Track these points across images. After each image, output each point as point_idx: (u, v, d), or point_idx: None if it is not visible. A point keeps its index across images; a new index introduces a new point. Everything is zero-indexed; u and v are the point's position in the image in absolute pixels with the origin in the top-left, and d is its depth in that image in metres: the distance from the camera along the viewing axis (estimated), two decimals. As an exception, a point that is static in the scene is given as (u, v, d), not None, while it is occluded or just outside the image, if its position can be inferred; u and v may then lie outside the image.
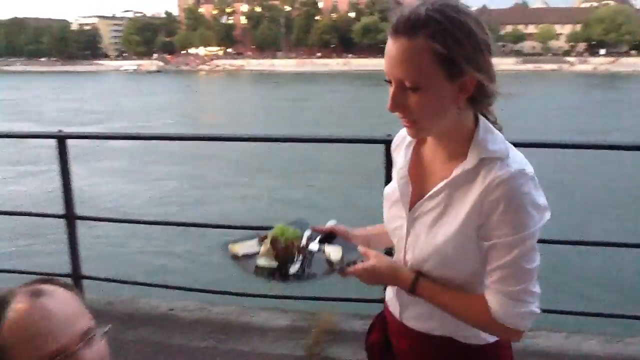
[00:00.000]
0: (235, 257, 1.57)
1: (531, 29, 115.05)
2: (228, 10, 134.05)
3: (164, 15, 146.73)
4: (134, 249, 10.95)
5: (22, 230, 11.49)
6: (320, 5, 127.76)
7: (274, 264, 1.51)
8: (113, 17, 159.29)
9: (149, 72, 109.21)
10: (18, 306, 1.02)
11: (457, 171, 1.30)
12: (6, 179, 18.28)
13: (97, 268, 4.17)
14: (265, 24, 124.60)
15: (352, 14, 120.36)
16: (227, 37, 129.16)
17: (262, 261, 1.52)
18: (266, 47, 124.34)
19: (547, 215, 1.28)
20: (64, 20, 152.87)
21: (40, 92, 60.58)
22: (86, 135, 3.85)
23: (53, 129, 3.64)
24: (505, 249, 1.26)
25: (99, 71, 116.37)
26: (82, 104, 45.61)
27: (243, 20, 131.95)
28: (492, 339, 1.41)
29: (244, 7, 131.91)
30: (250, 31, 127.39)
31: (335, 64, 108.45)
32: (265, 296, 3.46)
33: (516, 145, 1.33)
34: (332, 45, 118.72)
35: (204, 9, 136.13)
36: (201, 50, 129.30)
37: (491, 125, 1.33)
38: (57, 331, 1.01)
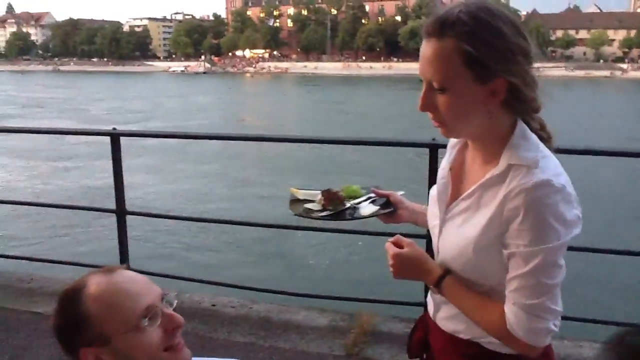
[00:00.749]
0: (293, 199, 1.72)
1: (583, 34, 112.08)
2: (275, 13, 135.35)
3: (212, 18, 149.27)
4: (177, 244, 11.20)
5: (64, 223, 11.91)
6: (367, 9, 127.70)
7: (318, 208, 1.65)
8: (163, 19, 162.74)
9: (196, 73, 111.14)
10: (97, 281, 1.10)
11: (488, 175, 1.29)
12: (43, 174, 19.00)
13: (142, 263, 4.29)
14: (311, 27, 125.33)
15: (399, 18, 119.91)
16: (273, 40, 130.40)
17: (309, 205, 1.68)
18: (311, 50, 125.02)
19: (576, 231, 1.23)
20: (117, 22, 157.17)
21: (88, 91, 62.46)
22: (139, 133, 3.98)
23: (97, 127, 3.78)
24: (523, 260, 1.23)
25: (148, 72, 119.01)
26: (126, 104, 46.82)
27: (289, 23, 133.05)
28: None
29: (291, 10, 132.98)
30: (296, 34, 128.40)
31: (380, 67, 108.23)
32: (306, 295, 3.50)
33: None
34: (377, 49, 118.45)
35: (251, 12, 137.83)
36: (247, 53, 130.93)
37: (530, 132, 1.30)
38: (141, 292, 1.10)
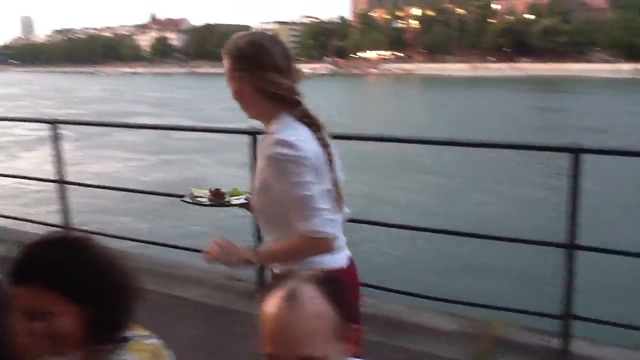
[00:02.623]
0: (190, 195, 2.31)
1: None
2: (400, 14, 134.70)
3: (338, 20, 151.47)
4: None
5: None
6: (496, 7, 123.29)
7: (203, 199, 2.27)
8: (291, 23, 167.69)
9: (321, 75, 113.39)
10: (274, 303, 1.19)
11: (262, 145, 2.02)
12: (146, 167, 20.51)
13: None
14: (437, 27, 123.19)
15: (530, 16, 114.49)
16: (397, 41, 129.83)
17: (200, 198, 2.27)
18: (437, 50, 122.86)
19: (309, 163, 1.82)
20: (247, 26, 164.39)
21: (208, 92, 65.83)
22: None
23: (208, 124, 3.99)
24: (282, 191, 1.85)
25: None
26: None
27: (414, 23, 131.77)
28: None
29: (416, 11, 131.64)
30: (421, 35, 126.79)
31: (508, 68, 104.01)
32: (436, 299, 3.50)
33: None
34: (506, 49, 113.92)
35: (376, 13, 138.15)
36: (371, 54, 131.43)
37: (286, 117, 1.92)
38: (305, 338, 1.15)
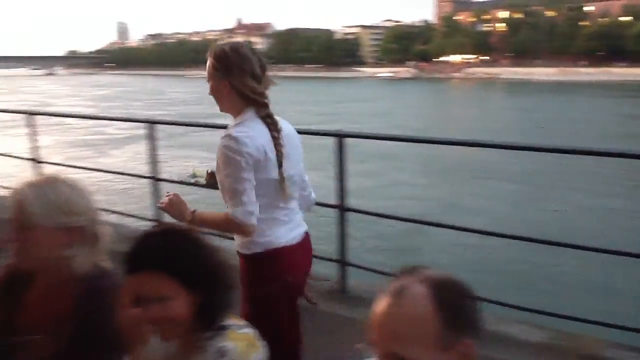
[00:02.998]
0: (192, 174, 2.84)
1: None
2: (486, 17, 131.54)
3: (421, 24, 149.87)
4: (394, 244, 11.52)
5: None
6: (589, 9, 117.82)
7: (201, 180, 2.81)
8: (374, 27, 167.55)
9: (403, 78, 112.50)
10: (385, 295, 1.19)
11: None
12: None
13: (360, 257, 4.51)
14: (525, 31, 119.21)
15: (626, 18, 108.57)
16: (482, 45, 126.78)
17: (198, 174, 2.82)
18: (524, 54, 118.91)
19: (250, 159, 2.18)
20: (330, 30, 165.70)
21: (288, 95, 66.64)
22: (362, 135, 4.17)
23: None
24: (222, 179, 2.25)
25: (356, 77, 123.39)
26: (317, 107, 49.31)
27: (501, 26, 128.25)
28: (256, 250, 2.30)
29: (503, 14, 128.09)
30: (508, 38, 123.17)
31: (600, 73, 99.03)
32: (524, 309, 3.40)
33: None
34: (599, 53, 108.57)
35: (461, 17, 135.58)
36: (455, 58, 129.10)
37: (249, 115, 2.31)
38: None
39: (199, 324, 1.45)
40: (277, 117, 2.37)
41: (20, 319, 1.72)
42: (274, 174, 2.25)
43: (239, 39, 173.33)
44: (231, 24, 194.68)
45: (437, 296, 1.13)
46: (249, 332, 1.50)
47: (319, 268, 4.21)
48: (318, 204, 4.47)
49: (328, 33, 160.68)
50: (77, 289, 1.68)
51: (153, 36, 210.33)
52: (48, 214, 1.63)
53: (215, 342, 1.43)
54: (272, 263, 2.31)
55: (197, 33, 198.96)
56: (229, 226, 2.25)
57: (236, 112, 2.33)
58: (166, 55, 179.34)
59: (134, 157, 20.46)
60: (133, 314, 1.39)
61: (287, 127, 2.44)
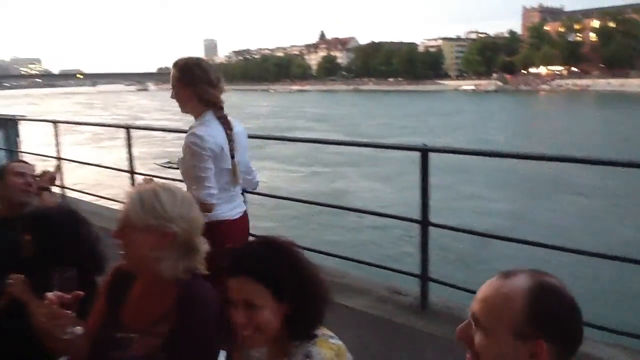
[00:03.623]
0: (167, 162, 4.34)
1: None
2: (576, 26, 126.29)
3: (507, 35, 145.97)
4: (478, 260, 11.31)
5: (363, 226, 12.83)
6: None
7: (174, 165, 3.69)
8: (457, 39, 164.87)
9: (487, 91, 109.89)
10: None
11: None
12: (296, 178, 21.06)
13: (442, 273, 4.48)
14: (618, 40, 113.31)
15: None
16: (572, 56, 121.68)
17: (173, 161, 3.57)
18: (617, 65, 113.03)
19: (209, 152, 2.80)
20: (412, 43, 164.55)
21: (367, 108, 66.43)
22: (448, 149, 4.17)
23: (361, 139, 4.02)
24: (186, 169, 2.87)
25: (438, 90, 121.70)
26: (395, 120, 48.80)
27: (592, 36, 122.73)
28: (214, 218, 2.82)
29: (595, 23, 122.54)
30: (600, 48, 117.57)
31: None
32: (605, 329, 3.30)
33: None
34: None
35: (550, 27, 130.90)
36: (542, 70, 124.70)
37: (208, 116, 2.93)
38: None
39: (288, 333, 1.52)
40: (230, 118, 3.00)
41: (123, 315, 1.85)
42: (228, 164, 2.93)
43: (322, 53, 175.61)
44: (314, 39, 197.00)
45: (534, 289, 1.18)
46: (338, 343, 1.55)
47: (400, 282, 4.28)
48: (400, 218, 4.53)
49: (410, 46, 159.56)
50: (175, 291, 1.78)
51: (239, 52, 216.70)
52: (145, 217, 1.77)
53: (303, 348, 1.50)
54: (215, 231, 2.57)
55: (281, 48, 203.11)
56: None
57: (197, 114, 2.96)
58: (251, 70, 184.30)
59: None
60: (227, 317, 1.50)
61: (237, 126, 3.06)
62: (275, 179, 21.38)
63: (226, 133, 2.92)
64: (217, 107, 2.95)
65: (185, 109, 2.99)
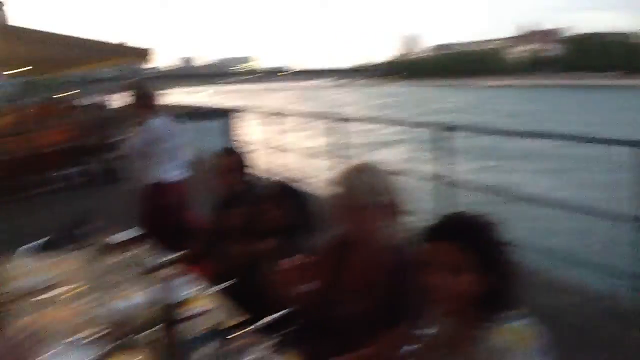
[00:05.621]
0: None
1: None
2: None
3: None
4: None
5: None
6: None
7: None
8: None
9: None
10: None
11: None
12: (469, 171, 19.89)
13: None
14: None
15: None
16: None
17: None
18: None
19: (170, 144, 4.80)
20: (626, 34, 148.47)
21: (565, 105, 60.69)
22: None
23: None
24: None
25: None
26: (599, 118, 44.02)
27: None
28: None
29: None
30: None
31: None
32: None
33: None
34: None
35: None
36: None
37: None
38: None
39: (482, 308, 1.48)
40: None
41: (343, 279, 2.13)
42: (169, 145, 4.67)
43: (529, 46, 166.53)
44: (515, 32, 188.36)
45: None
46: (526, 323, 1.45)
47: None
48: (609, 216, 4.14)
49: (623, 36, 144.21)
50: (390, 259, 2.00)
51: (437, 47, 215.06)
52: (370, 194, 1.98)
53: (486, 335, 1.45)
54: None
55: (479, 42, 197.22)
56: None
57: (147, 115, 4.69)
58: (447, 65, 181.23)
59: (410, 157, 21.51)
60: (432, 280, 1.50)
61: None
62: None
63: (170, 124, 4.96)
64: (155, 110, 4.78)
65: (139, 114, 4.82)
